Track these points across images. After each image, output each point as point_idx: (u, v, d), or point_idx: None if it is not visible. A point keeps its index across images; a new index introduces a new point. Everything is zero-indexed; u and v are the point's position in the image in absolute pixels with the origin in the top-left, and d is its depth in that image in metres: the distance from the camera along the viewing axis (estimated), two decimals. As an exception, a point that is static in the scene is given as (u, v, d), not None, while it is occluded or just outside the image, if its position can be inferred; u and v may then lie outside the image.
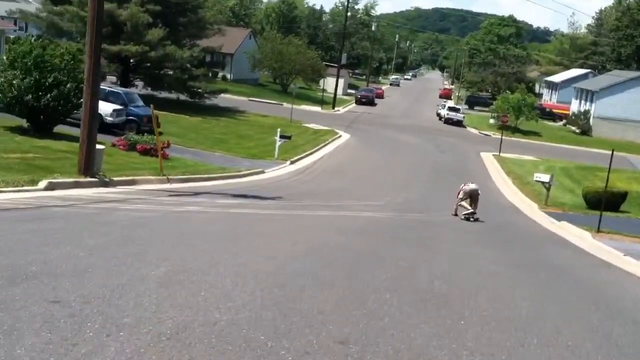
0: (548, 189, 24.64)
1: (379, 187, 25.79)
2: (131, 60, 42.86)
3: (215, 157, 27.42)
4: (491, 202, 25.22)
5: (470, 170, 36.84)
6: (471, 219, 19.11)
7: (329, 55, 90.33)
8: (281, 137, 28.88)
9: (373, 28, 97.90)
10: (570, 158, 46.55)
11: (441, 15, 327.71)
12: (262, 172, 25.26)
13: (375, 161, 35.15)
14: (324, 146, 37.17)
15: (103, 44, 41.35)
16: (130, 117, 28.44)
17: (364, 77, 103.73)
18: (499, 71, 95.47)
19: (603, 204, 20.27)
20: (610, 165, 20.40)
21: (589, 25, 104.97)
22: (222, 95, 59.07)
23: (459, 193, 19.77)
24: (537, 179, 25.00)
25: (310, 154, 33.18)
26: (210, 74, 49.64)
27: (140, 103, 30.15)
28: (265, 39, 70.53)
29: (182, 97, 46.13)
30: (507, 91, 68.77)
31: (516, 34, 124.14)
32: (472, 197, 19.58)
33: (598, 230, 18.50)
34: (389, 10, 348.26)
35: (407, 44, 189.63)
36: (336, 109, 62.78)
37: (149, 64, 43.22)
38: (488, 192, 28.83)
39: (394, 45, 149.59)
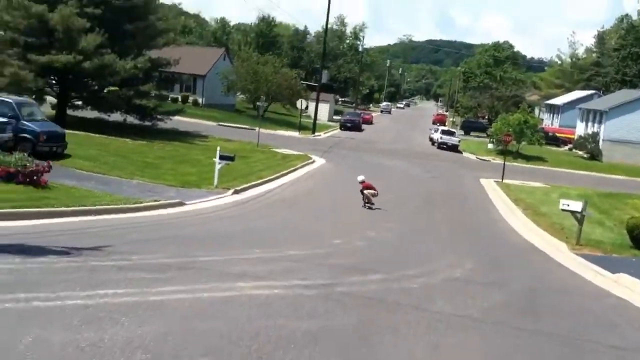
0: (581, 222, 17.69)
1: (339, 223, 18.95)
2: (69, 76, 36.15)
3: (130, 185, 20.65)
4: (503, 241, 18.51)
5: (468, 198, 30.06)
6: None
7: (314, 79, 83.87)
8: (221, 158, 22.10)
9: (360, 48, 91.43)
10: (583, 184, 39.85)
11: (434, 47, 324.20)
12: (181, 204, 18.44)
13: (347, 189, 28.37)
14: (289, 173, 30.42)
15: (30, 54, 35.89)
16: (23, 135, 21.68)
17: (353, 104, 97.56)
18: (496, 94, 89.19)
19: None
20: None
21: (590, 46, 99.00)
22: (187, 119, 52.95)
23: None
24: (565, 208, 17.98)
25: (267, 181, 26.38)
26: (166, 92, 42.93)
27: (40, 117, 23.44)
28: (240, 59, 64.02)
29: (131, 119, 39.51)
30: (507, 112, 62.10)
31: (512, 58, 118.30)
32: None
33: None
34: (380, 43, 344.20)
35: (400, 72, 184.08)
36: (317, 134, 56.13)
37: (86, 79, 36.57)
38: (494, 226, 22.03)
39: (385, 73, 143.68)
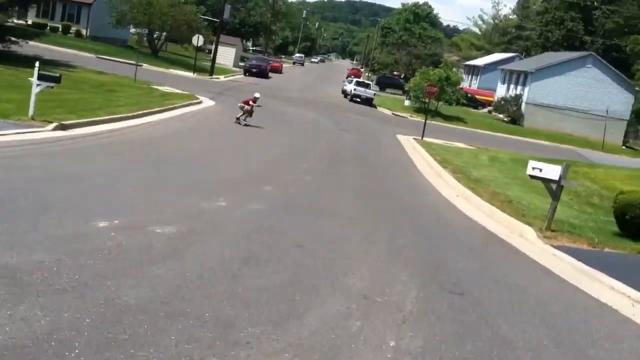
0: (556, 197, 11.96)
1: (190, 185, 12.66)
2: None
3: None
4: (440, 222, 13.02)
5: (385, 156, 24.39)
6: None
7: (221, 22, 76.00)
8: (41, 78, 15.26)
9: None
10: (508, 147, 35.12)
11: (353, 8, 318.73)
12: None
13: (230, 136, 22.11)
14: (161, 112, 23.75)
15: None
16: None
17: (265, 53, 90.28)
18: (415, 52, 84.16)
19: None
20: None
21: (514, 8, 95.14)
22: (61, 49, 44.95)
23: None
24: (535, 174, 12.07)
25: (121, 118, 19.65)
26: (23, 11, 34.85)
27: None
28: (132, -14, 55.68)
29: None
30: (431, 65, 56.78)
31: (430, 21, 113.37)
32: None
33: None
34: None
35: (316, 26, 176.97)
36: (215, 76, 49.13)
37: None
38: (422, 196, 16.39)
39: (300, 25, 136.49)
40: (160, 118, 22.41)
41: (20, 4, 33.23)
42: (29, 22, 54.70)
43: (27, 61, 32.40)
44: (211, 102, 31.17)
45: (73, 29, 55.68)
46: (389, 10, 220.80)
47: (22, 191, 9.18)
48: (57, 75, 15.94)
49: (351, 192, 15.04)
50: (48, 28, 54.43)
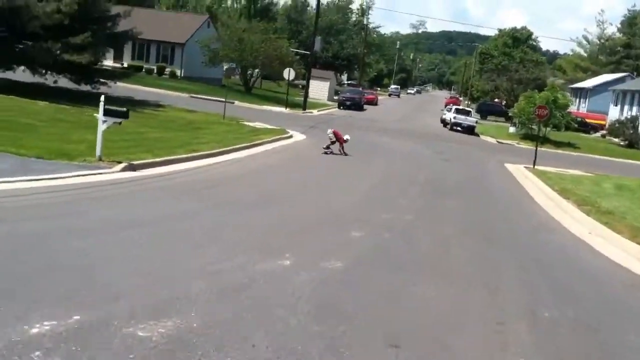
0: None
1: (249, 235, 10.43)
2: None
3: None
4: (581, 272, 10.52)
5: (495, 188, 21.66)
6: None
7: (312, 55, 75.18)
8: (108, 113, 13.78)
9: (365, 21, 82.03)
10: (630, 173, 31.32)
11: (448, 38, 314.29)
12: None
13: (318, 170, 20.14)
14: (249, 147, 22.16)
15: None
16: None
17: (360, 86, 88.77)
18: (516, 77, 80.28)
19: None
20: None
21: (619, 27, 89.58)
22: (155, 90, 44.85)
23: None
24: None
25: (204, 156, 18.10)
26: (113, 50, 34.57)
27: None
28: (224, 25, 55.52)
29: (66, 82, 31.29)
30: (534, 90, 53.12)
31: (531, 45, 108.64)
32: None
33: None
34: (392, 30, 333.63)
35: (411, 57, 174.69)
36: (309, 110, 47.68)
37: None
38: (547, 235, 13.68)
39: (395, 57, 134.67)
40: (245, 154, 20.79)
41: (108, 43, 32.63)
42: (125, 64, 55.48)
43: (116, 102, 31.97)
44: (302, 136, 29.47)
45: (167, 69, 56.00)
46: (485, 38, 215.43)
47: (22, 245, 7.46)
48: (124, 110, 14.42)
49: (462, 233, 12.46)
50: (143, 70, 55.02)
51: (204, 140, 21.50)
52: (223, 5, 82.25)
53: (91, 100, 30.25)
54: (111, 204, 10.92)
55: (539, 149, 32.53)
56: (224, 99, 35.96)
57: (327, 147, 23.22)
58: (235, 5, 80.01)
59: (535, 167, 28.15)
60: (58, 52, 28.49)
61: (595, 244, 12.36)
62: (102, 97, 14.06)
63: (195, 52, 54.74)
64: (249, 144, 22.65)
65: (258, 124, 31.08)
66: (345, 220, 12.09)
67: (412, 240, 11.17)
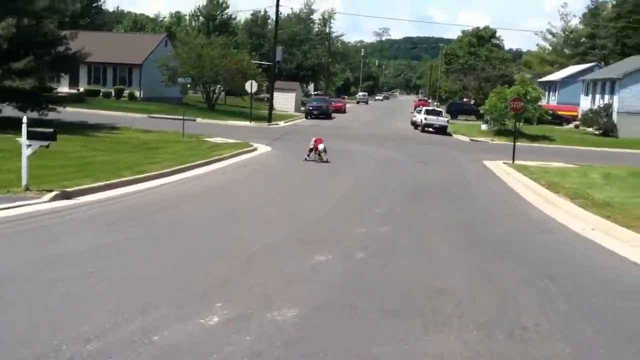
0: None
1: (180, 272, 8.35)
2: None
3: None
4: (604, 282, 8.58)
5: (478, 187, 20.09)
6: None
7: (277, 69, 73.44)
8: (31, 137, 11.89)
9: (327, 30, 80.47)
10: (612, 161, 30.04)
11: (411, 43, 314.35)
12: None
13: (283, 183, 18.40)
14: (207, 164, 20.34)
15: None
16: None
17: (327, 96, 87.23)
18: (483, 75, 79.34)
19: None
20: None
21: (582, 19, 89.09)
22: (112, 113, 42.85)
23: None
24: None
25: (151, 177, 16.24)
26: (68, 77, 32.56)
27: None
28: (181, 43, 53.60)
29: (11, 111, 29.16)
30: (506, 86, 51.78)
31: (495, 44, 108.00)
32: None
33: None
34: (355, 39, 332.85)
35: (377, 63, 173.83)
36: (274, 122, 45.93)
37: None
38: (546, 235, 12.00)
39: (360, 64, 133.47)
40: (203, 171, 18.98)
41: (55, 67, 30.63)
42: (81, 89, 53.30)
43: (67, 128, 29.99)
44: (267, 148, 27.77)
45: (126, 92, 53.81)
46: (448, 41, 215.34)
47: None
48: (51, 131, 12.54)
49: (449, 244, 10.55)
50: (101, 94, 52.89)
51: (157, 159, 19.64)
52: (182, 25, 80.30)
53: (38, 127, 28.40)
54: (7, 244, 8.91)
55: (514, 143, 31.16)
56: (186, 118, 34.17)
57: (308, 155, 23.20)
58: (193, 24, 77.90)
59: (515, 162, 26.71)
60: (-1, 78, 26.45)
61: (603, 242, 10.72)
62: (25, 119, 12.20)
63: (154, 72, 52.68)
64: (207, 160, 20.83)
65: (220, 139, 29.26)
66: (310, 239, 10.27)
67: (392, 262, 8.97)
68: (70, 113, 33.80)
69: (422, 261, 9.20)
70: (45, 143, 12.22)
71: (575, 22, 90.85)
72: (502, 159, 28.25)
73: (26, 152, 12.04)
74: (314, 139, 23.59)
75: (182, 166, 18.59)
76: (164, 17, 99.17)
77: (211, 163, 20.72)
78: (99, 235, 9.54)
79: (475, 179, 22.12)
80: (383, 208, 14.25)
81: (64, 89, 51.26)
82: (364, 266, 8.63)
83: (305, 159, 22.88)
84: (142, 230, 10.36)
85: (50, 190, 12.13)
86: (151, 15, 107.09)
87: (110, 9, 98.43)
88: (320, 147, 22.96)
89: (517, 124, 44.44)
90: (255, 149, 26.54)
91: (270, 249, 9.31)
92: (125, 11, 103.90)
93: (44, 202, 11.53)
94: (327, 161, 22.62)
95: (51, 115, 30.52)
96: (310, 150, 23.17)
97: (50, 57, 29.03)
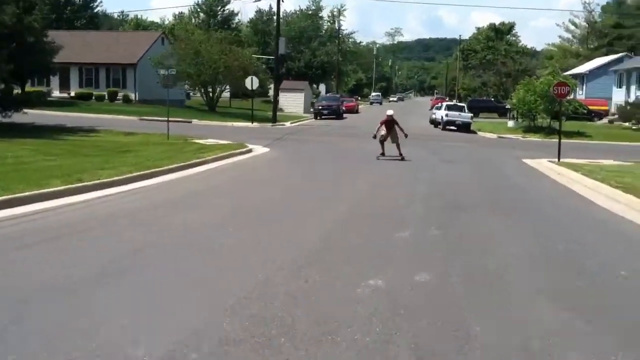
0: None
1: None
2: None
3: None
4: None
5: (528, 191, 15.65)
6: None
7: (285, 68, 69.20)
8: None
9: (336, 26, 76.00)
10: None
11: (424, 46, 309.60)
12: None
13: (275, 190, 14.03)
14: (182, 168, 16.13)
15: None
16: None
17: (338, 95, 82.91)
18: (504, 70, 74.84)
19: None
20: None
21: (607, 4, 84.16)
22: (103, 116, 39.09)
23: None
24: None
25: (102, 186, 12.04)
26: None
27: None
28: (178, 39, 49.47)
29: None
30: (533, 77, 47.07)
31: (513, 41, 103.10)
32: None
33: None
34: (366, 40, 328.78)
35: (390, 63, 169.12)
36: (280, 123, 41.65)
37: None
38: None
39: (372, 64, 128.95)
40: (174, 177, 14.77)
41: (20, 62, 26.54)
42: (72, 93, 49.44)
43: (35, 131, 25.99)
44: (265, 149, 23.50)
45: (120, 94, 49.78)
46: (462, 41, 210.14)
47: None
48: None
49: (556, 308, 6.06)
50: (93, 97, 48.97)
51: (116, 164, 15.38)
52: (184, 22, 76.27)
53: (23, 130, 24.80)
54: None
55: (547, 140, 26.95)
56: (180, 120, 30.29)
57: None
58: (193, 21, 73.88)
59: (561, 160, 22.26)
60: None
61: None
62: None
63: (150, 72, 48.42)
64: (182, 164, 16.54)
65: (211, 141, 25.03)
66: (278, 308, 5.79)
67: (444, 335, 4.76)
68: (52, 116, 30.39)
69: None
70: None
71: (597, 11, 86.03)
72: (541, 156, 23.93)
73: None
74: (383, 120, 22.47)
75: (144, 172, 14.33)
76: (169, 21, 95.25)
77: (188, 168, 16.47)
78: None
79: (520, 182, 17.66)
80: (411, 229, 9.75)
81: (55, 93, 47.45)
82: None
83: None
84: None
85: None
86: (157, 20, 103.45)
87: (116, 15, 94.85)
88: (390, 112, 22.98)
89: (549, 120, 40.30)
90: (250, 151, 22.29)
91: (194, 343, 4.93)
92: (130, 16, 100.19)
93: None
94: (401, 156, 21.27)
95: (24, 119, 26.87)
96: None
97: (8, 50, 24.92)
